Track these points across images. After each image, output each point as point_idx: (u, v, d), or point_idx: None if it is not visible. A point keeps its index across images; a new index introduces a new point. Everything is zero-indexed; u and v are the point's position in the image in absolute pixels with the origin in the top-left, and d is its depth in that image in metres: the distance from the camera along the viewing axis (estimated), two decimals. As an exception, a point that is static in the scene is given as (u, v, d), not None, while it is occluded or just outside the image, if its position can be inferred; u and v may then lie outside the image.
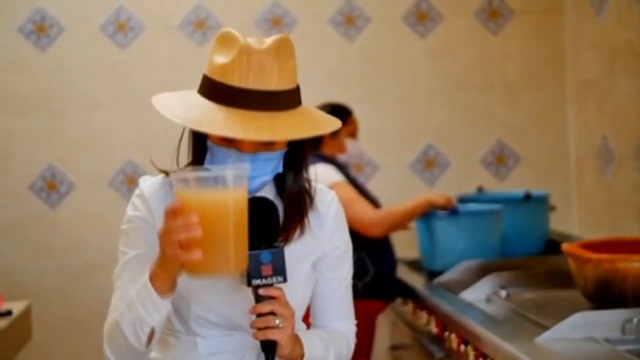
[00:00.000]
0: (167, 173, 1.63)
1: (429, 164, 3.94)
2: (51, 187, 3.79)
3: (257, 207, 1.49)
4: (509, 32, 3.96)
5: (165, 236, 1.38)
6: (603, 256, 2.35)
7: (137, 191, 1.67)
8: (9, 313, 2.68)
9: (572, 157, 3.99)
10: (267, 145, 1.53)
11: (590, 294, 2.39)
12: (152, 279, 1.45)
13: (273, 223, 1.53)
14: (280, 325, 1.47)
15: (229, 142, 1.52)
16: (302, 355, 1.56)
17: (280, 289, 1.49)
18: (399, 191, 3.66)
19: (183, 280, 1.49)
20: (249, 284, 1.47)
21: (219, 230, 1.36)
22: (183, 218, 1.34)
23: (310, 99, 3.36)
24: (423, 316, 2.89)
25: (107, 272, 3.93)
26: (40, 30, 3.75)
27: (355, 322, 1.79)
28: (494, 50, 3.95)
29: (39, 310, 3.27)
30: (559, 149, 4.00)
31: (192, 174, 1.39)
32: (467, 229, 3.08)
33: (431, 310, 2.80)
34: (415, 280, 3.12)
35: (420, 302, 2.94)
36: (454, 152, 3.96)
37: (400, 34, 3.92)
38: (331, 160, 3.13)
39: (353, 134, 3.27)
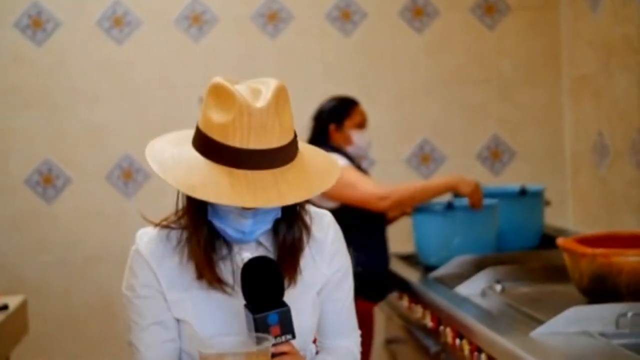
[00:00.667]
0: (163, 225, 1.59)
1: (425, 158, 3.94)
2: (47, 181, 3.77)
3: (260, 268, 1.47)
4: (505, 28, 3.95)
5: None
6: (598, 251, 2.34)
7: (133, 252, 1.60)
8: (5, 307, 2.68)
9: (567, 152, 3.98)
10: None
11: (585, 289, 2.39)
12: None
13: (277, 282, 1.48)
14: None
15: None
16: None
17: (290, 343, 1.48)
18: (395, 186, 3.65)
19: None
20: None
21: None
22: None
23: (307, 94, 3.38)
24: (418, 310, 2.89)
25: (105, 266, 3.97)
26: (36, 24, 3.74)
27: (359, 332, 1.79)
28: (490, 46, 3.95)
29: (36, 304, 3.26)
30: (555, 144, 3.99)
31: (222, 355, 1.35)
32: (463, 224, 3.07)
33: (426, 305, 2.80)
34: (411, 275, 3.11)
35: (415, 297, 2.93)
36: (450, 146, 3.96)
37: (396, 29, 3.91)
38: (338, 150, 3.11)
39: (360, 125, 3.21)
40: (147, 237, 1.60)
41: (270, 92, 1.44)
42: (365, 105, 3.84)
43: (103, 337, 3.71)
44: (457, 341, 2.47)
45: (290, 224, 1.59)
